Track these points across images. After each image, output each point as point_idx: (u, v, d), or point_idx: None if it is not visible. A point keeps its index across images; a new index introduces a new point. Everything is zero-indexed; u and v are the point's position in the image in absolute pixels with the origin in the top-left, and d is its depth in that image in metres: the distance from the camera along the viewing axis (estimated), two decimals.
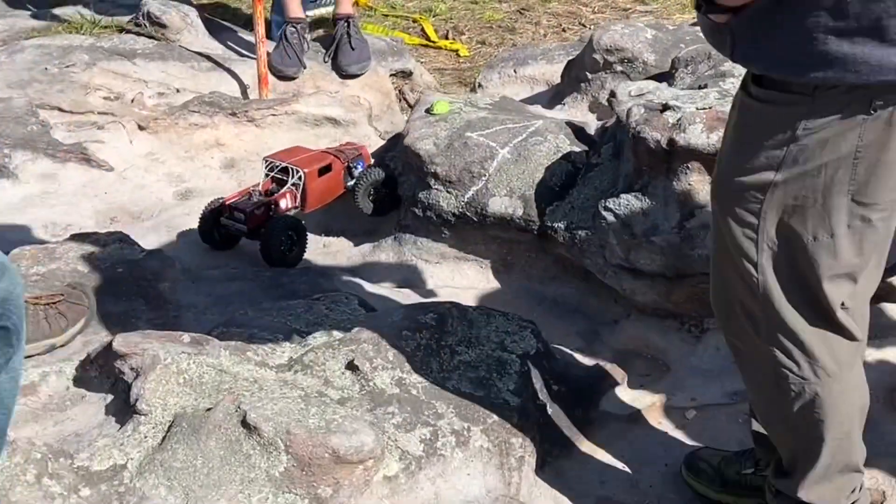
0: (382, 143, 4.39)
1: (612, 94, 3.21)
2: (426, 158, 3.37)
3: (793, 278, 1.85)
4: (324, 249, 3.65)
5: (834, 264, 1.80)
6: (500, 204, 3.23)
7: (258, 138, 4.24)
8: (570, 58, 4.45)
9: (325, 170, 3.66)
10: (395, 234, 3.51)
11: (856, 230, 1.77)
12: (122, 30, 4.83)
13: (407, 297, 3.24)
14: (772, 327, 1.90)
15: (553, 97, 4.21)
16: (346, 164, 3.74)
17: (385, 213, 3.68)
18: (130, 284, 3.01)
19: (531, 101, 4.28)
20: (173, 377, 2.33)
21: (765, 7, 1.65)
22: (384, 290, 3.27)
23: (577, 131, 3.41)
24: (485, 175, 3.27)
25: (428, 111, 3.60)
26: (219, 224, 3.54)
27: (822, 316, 1.87)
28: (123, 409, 2.36)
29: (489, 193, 3.25)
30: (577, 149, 3.30)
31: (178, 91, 4.40)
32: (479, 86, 4.59)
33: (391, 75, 4.95)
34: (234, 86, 4.58)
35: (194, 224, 3.68)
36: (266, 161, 3.68)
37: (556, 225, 3.12)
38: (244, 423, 2.17)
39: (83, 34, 4.77)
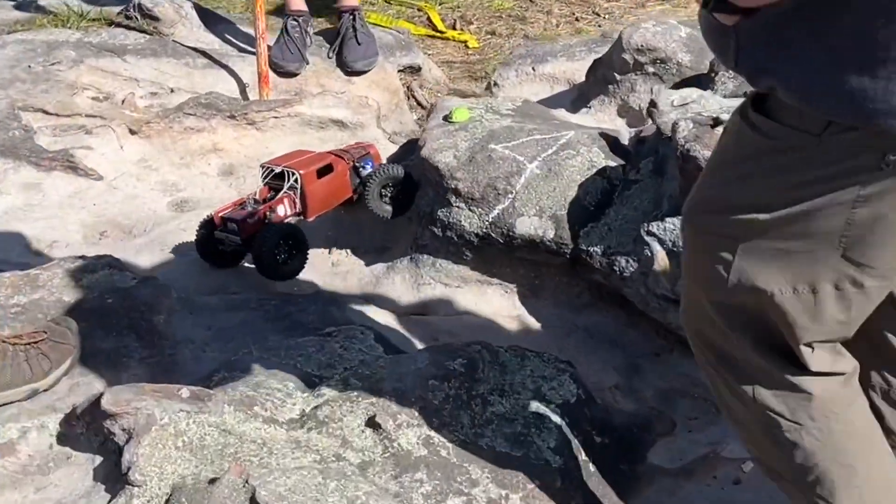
0: (392, 146, 4.09)
1: (653, 104, 2.91)
2: (446, 172, 3.06)
3: (764, 331, 1.59)
4: (332, 269, 3.35)
5: (812, 328, 1.54)
6: (528, 225, 2.92)
7: (259, 143, 3.93)
8: (593, 55, 4.15)
9: (324, 170, 3.34)
10: (412, 255, 3.20)
11: (845, 294, 1.49)
12: (111, 23, 4.50)
13: (426, 326, 2.95)
14: (750, 369, 1.63)
15: (577, 99, 3.90)
16: (352, 163, 3.42)
17: (403, 213, 3.38)
18: (121, 317, 2.71)
19: (552, 102, 3.98)
20: (171, 440, 2.04)
21: (782, 13, 1.36)
22: (401, 319, 2.98)
23: (612, 143, 3.10)
24: (511, 192, 2.96)
25: (446, 118, 3.28)
26: (214, 239, 3.24)
27: (801, 367, 1.60)
28: (114, 475, 2.08)
29: (516, 213, 2.94)
30: (612, 163, 2.99)
31: (171, 91, 4.08)
32: (495, 84, 4.27)
33: (398, 71, 4.65)
34: (232, 84, 4.26)
35: (190, 239, 3.39)
36: (263, 167, 3.38)
37: (591, 249, 2.83)
38: (253, 502, 1.87)
39: (69, 28, 4.44)
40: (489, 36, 5.73)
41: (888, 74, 1.28)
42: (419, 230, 3.20)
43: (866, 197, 1.39)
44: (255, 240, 3.12)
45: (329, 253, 3.43)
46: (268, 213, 3.21)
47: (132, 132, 3.82)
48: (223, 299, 2.96)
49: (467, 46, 5.55)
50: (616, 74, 3.67)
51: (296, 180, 3.27)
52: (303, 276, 3.28)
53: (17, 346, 2.49)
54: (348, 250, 3.44)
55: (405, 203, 3.35)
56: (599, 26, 5.81)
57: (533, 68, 4.21)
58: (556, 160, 2.99)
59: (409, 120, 4.51)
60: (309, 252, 3.24)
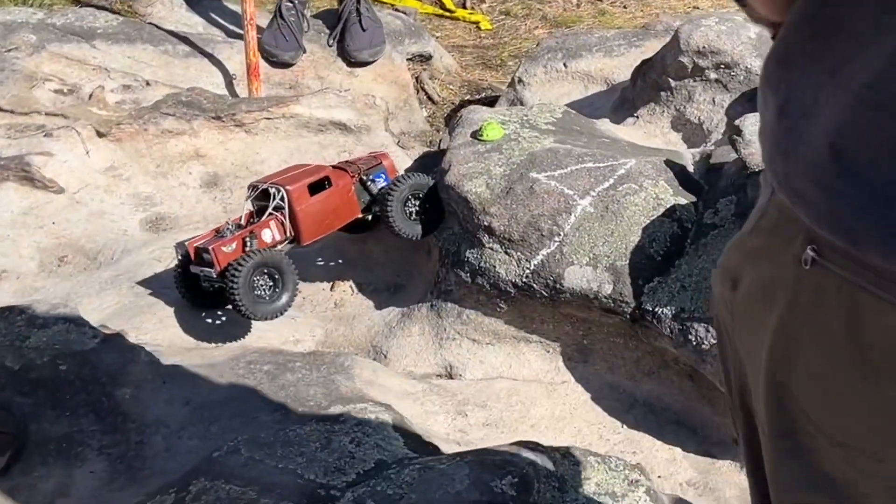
0: (401, 151, 3.53)
1: (737, 131, 2.38)
2: (477, 206, 2.51)
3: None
4: (335, 312, 2.81)
5: None
6: (580, 276, 2.38)
7: (248, 148, 3.37)
8: (633, 49, 3.60)
9: (319, 186, 2.77)
10: (432, 301, 2.66)
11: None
12: (78, 1, 3.92)
13: (451, 397, 2.43)
14: None
15: (619, 105, 3.33)
16: (358, 176, 2.85)
17: (433, 232, 2.81)
18: (78, 390, 2.18)
19: (589, 106, 3.42)
20: None
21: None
22: (421, 384, 2.45)
23: (678, 173, 2.56)
24: (558, 234, 2.42)
25: (475, 136, 2.73)
26: (192, 275, 2.68)
27: None
28: None
29: (565, 260, 2.40)
30: (682, 200, 2.45)
31: (147, 84, 3.51)
32: (520, 81, 3.71)
33: (407, 60, 4.09)
34: (217, 76, 3.72)
35: (163, 269, 2.85)
36: (250, 187, 2.81)
37: (659, 311, 2.29)
38: None
39: (30, 6, 3.86)
40: (503, 16, 5.21)
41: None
42: (442, 272, 2.65)
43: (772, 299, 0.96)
44: (226, 271, 2.57)
45: (331, 290, 2.89)
46: (248, 238, 2.64)
47: (100, 134, 3.24)
48: (205, 360, 2.42)
49: (479, 28, 5.04)
50: (670, 80, 3.10)
51: (282, 198, 2.71)
52: (301, 319, 2.75)
53: None
54: (353, 286, 2.90)
55: (436, 219, 2.78)
56: (625, 7, 5.30)
57: (564, 64, 3.64)
58: (613, 196, 2.44)
59: (420, 119, 3.97)
60: (299, 285, 2.68)
